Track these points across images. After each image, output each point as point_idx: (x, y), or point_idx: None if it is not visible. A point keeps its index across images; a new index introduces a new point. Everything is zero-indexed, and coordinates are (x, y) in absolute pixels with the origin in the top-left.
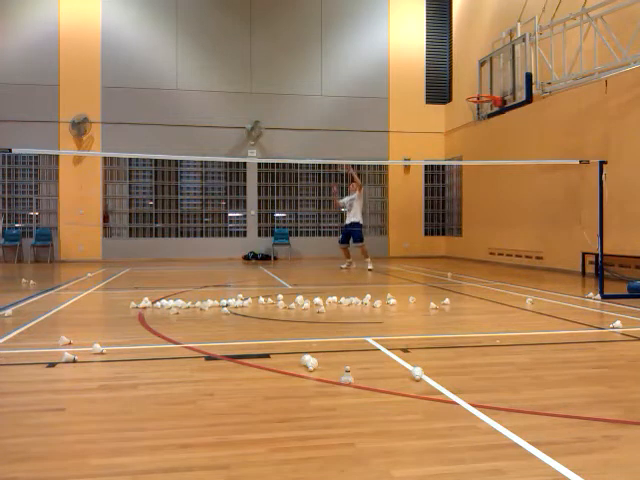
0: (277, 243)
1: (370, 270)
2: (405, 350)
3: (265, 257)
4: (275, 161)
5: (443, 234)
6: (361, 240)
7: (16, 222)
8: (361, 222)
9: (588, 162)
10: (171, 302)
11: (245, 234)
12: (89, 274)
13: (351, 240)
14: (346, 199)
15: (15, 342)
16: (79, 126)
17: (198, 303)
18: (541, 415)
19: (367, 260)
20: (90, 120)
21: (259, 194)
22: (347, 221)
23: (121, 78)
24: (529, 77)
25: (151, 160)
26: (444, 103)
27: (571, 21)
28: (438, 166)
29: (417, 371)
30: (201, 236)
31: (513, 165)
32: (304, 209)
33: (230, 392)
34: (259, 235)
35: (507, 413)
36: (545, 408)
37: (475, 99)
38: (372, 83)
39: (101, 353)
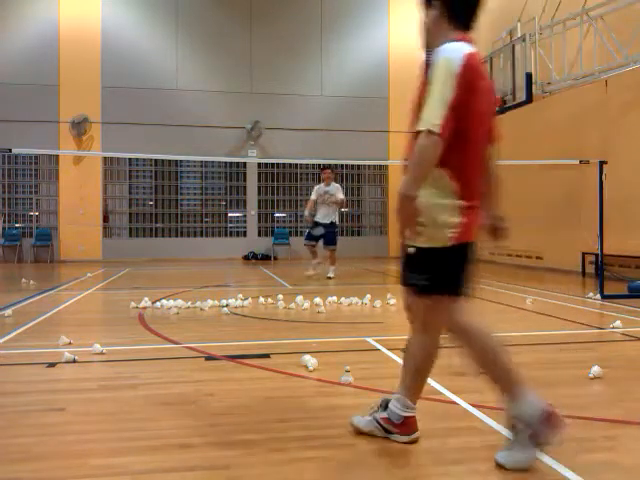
0: (277, 243)
1: (330, 278)
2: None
3: (265, 257)
4: (275, 161)
5: None
6: (335, 243)
7: (16, 222)
8: (337, 223)
9: (588, 162)
10: (171, 302)
11: (245, 234)
12: (89, 274)
13: (321, 242)
14: (321, 190)
15: (15, 342)
16: (79, 126)
17: (198, 303)
18: None
19: (332, 267)
20: (90, 120)
21: (259, 194)
22: (322, 219)
23: (121, 78)
24: (529, 77)
25: (151, 160)
26: None
27: (571, 21)
28: None
29: None
30: (201, 236)
31: (513, 165)
32: (304, 209)
33: (230, 392)
34: (259, 235)
35: None
36: None
37: None
38: (372, 83)
39: (101, 353)
